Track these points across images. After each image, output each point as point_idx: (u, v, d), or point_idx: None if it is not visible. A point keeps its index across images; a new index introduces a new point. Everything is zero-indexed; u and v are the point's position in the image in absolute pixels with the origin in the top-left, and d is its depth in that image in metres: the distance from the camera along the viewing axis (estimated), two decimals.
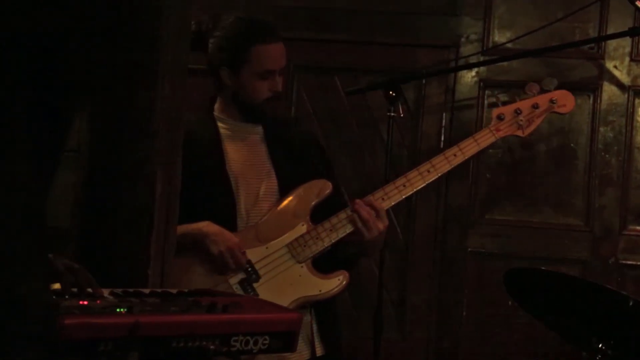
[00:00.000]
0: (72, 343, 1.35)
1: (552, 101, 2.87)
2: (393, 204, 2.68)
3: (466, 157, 2.75)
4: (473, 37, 3.94)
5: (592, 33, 3.83)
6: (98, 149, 2.00)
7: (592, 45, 3.83)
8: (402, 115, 3.51)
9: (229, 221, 2.59)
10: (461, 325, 3.90)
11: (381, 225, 2.62)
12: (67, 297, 1.58)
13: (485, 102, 3.93)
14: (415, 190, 2.69)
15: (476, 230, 3.93)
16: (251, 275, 2.56)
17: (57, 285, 1.63)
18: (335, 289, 2.60)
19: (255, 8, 3.98)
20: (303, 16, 4.06)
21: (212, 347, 1.52)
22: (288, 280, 2.57)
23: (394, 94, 3.46)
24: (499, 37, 3.92)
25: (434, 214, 3.95)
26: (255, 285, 2.56)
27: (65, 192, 1.98)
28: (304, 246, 2.60)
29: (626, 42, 3.79)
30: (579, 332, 2.56)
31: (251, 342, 1.59)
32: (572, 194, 3.87)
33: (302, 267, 2.59)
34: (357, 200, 2.63)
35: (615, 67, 3.83)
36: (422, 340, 3.94)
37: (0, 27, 0.88)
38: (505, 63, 3.81)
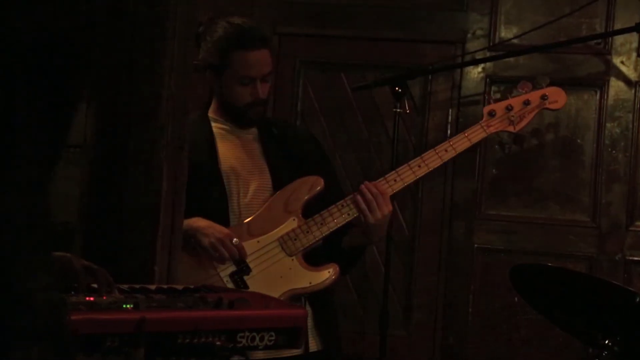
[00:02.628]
0: (79, 339, 1.36)
1: (543, 97, 2.90)
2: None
3: (457, 153, 2.77)
4: (479, 32, 3.93)
5: (599, 28, 3.82)
6: (104, 144, 2.01)
7: (599, 40, 3.82)
8: (408, 111, 3.50)
9: (222, 217, 2.61)
10: (467, 321, 3.90)
11: (385, 208, 2.63)
12: (73, 293, 1.59)
13: (492, 97, 3.93)
14: (405, 185, 2.71)
15: (482, 226, 3.92)
16: (242, 268, 2.58)
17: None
18: (326, 281, 2.60)
19: (263, 4, 3.98)
20: (309, 12, 4.06)
21: (218, 343, 1.52)
22: (278, 272, 2.59)
23: (400, 90, 3.45)
24: (506, 32, 3.91)
25: (440, 210, 3.95)
26: (245, 277, 2.58)
27: (70, 187, 1.98)
28: (295, 239, 2.62)
29: (633, 37, 3.77)
30: (585, 328, 2.56)
31: (257, 338, 1.59)
32: (578, 190, 3.86)
33: (292, 260, 2.61)
34: (364, 183, 2.66)
35: (622, 62, 3.82)
36: (428, 336, 3.94)
37: (2, 24, 0.88)
38: (511, 59, 3.81)
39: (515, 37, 3.84)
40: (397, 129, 3.50)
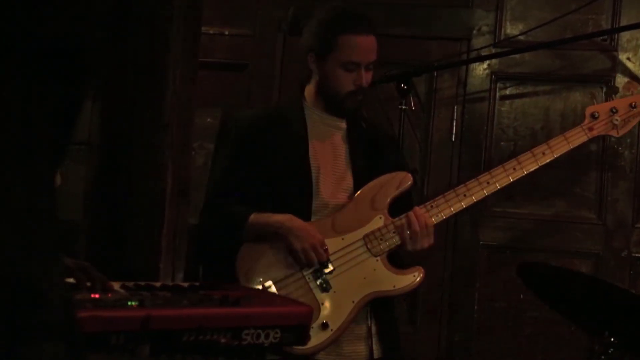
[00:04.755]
0: (84, 336, 1.36)
1: None
2: (465, 206, 2.69)
3: (555, 156, 2.65)
4: (485, 29, 3.92)
5: (605, 25, 3.81)
6: (109, 142, 2.01)
7: (605, 37, 3.80)
8: (413, 108, 3.49)
9: (303, 212, 2.55)
10: (473, 319, 3.90)
11: (426, 242, 2.58)
12: (79, 290, 1.59)
13: (497, 94, 3.92)
14: (488, 194, 2.65)
15: (488, 223, 3.92)
16: (324, 266, 2.52)
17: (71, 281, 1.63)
18: (410, 285, 2.54)
19: (268, 3, 3.98)
20: (314, 8, 4.05)
21: (223, 340, 1.52)
22: (362, 273, 2.53)
23: (405, 87, 3.44)
24: (511, 29, 3.90)
25: None
26: (328, 277, 2.51)
27: (76, 185, 1.98)
28: (380, 239, 2.55)
29: (639, 33, 3.76)
30: (591, 326, 2.55)
31: (262, 335, 1.59)
32: (584, 187, 3.85)
33: (377, 260, 2.54)
34: (414, 210, 2.59)
35: (628, 59, 3.81)
36: (433, 334, 3.94)
37: (10, 25, 0.89)
38: (517, 55, 3.79)
39: (521, 34, 3.83)
40: (403, 126, 3.49)
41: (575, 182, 3.86)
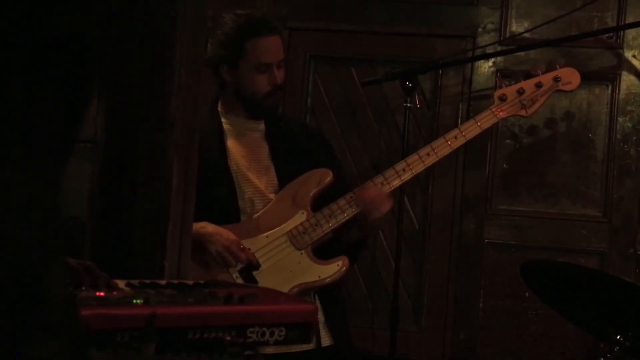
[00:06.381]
0: (89, 334, 1.36)
1: (556, 79, 2.82)
2: (392, 188, 2.71)
3: (467, 139, 2.74)
4: (490, 26, 3.91)
5: (611, 22, 3.80)
6: (114, 140, 2.01)
7: (611, 34, 3.80)
8: (418, 105, 3.49)
9: (231, 213, 2.62)
10: (478, 317, 3.89)
11: (388, 204, 2.66)
12: (83, 288, 1.59)
13: None
14: (414, 174, 2.70)
15: (493, 221, 3.91)
16: (251, 264, 2.58)
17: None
18: (335, 275, 2.61)
19: None
20: (319, 6, 4.05)
21: (228, 338, 1.52)
22: (287, 267, 2.60)
23: (410, 85, 3.44)
24: (517, 26, 3.89)
25: (450, 204, 3.94)
26: (255, 273, 2.58)
27: (81, 183, 1.98)
28: (303, 233, 2.62)
29: None
30: (596, 324, 2.54)
31: (267, 333, 1.59)
32: (590, 185, 3.84)
33: (301, 254, 2.61)
34: (363, 186, 2.68)
35: (634, 56, 3.80)
36: (438, 332, 3.94)
37: (17, 23, 0.89)
38: (522, 53, 3.79)
39: (526, 31, 3.82)
40: (408, 123, 3.49)
41: (581, 180, 3.85)
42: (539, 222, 3.86)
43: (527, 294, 3.70)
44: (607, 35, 3.78)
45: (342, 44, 4.04)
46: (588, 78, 3.82)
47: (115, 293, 1.56)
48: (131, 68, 1.98)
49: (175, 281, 1.83)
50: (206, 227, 2.56)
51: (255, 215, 2.64)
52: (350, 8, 4.03)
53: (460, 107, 3.93)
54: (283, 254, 2.61)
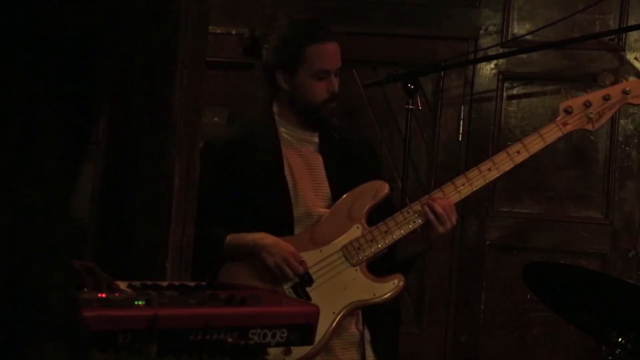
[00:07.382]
0: (91, 335, 1.36)
1: (625, 92, 2.66)
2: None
3: (530, 154, 2.58)
4: (492, 28, 3.91)
5: (613, 24, 3.80)
6: (116, 141, 2.01)
7: (613, 37, 3.79)
8: (420, 107, 3.49)
9: (285, 223, 2.56)
10: (479, 319, 3.89)
11: (454, 218, 2.57)
12: (85, 289, 1.59)
13: (504, 94, 3.91)
14: (475, 189, 2.62)
15: (495, 223, 3.91)
16: (305, 280, 2.52)
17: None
18: (390, 293, 2.54)
19: (274, 2, 3.98)
20: (321, 8, 4.05)
21: (229, 340, 1.52)
22: (342, 284, 2.53)
23: (412, 87, 3.44)
24: (519, 28, 3.89)
25: None
26: (308, 289, 2.52)
27: (83, 184, 1.99)
28: (358, 249, 2.54)
29: None
30: (598, 326, 2.54)
31: (269, 335, 1.59)
32: (591, 187, 3.84)
33: (356, 270, 2.54)
34: (430, 197, 2.58)
35: (636, 58, 3.80)
36: (440, 334, 3.94)
37: (29, 24, 0.89)
38: (524, 55, 3.79)
39: (528, 33, 3.82)
40: (409, 125, 3.49)
41: (583, 182, 3.85)
42: (541, 224, 3.86)
43: (528, 296, 3.69)
44: (609, 37, 3.77)
45: (344, 46, 4.03)
46: (590, 80, 3.82)
47: (117, 294, 1.56)
48: (133, 69, 1.98)
49: (177, 283, 1.83)
50: (264, 239, 2.50)
51: (310, 228, 2.57)
52: (352, 10, 4.03)
53: (462, 109, 3.92)
54: (337, 270, 2.54)
